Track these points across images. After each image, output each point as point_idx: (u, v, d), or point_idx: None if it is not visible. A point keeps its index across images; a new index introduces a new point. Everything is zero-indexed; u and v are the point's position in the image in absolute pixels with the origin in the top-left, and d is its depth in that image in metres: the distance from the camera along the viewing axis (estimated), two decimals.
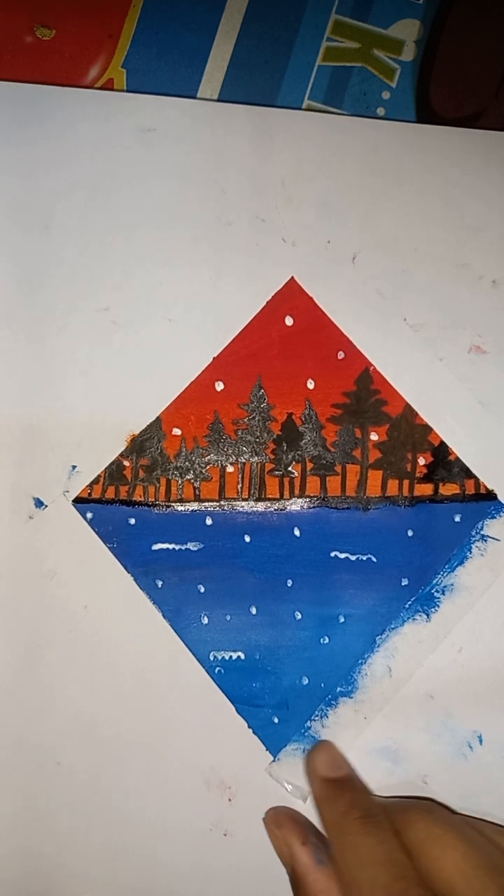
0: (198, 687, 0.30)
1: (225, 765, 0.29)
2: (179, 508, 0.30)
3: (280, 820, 0.28)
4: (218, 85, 0.32)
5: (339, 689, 0.30)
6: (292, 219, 0.31)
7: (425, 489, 0.31)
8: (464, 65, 0.33)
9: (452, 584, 0.31)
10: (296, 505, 0.31)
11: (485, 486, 0.31)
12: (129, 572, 0.30)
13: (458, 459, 0.31)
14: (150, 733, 0.29)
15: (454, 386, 0.31)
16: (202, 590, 0.30)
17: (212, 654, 0.30)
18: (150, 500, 0.30)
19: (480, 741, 0.30)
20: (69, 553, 0.30)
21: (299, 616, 0.30)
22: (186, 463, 0.31)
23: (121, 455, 0.30)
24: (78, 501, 0.30)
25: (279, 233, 0.31)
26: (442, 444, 0.31)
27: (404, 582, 0.30)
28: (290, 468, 0.31)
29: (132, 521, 0.30)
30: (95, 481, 0.30)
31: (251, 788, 0.29)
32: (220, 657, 0.30)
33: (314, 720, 0.30)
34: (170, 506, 0.30)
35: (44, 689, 0.29)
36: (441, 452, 0.31)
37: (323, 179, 0.32)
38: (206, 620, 0.30)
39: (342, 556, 0.30)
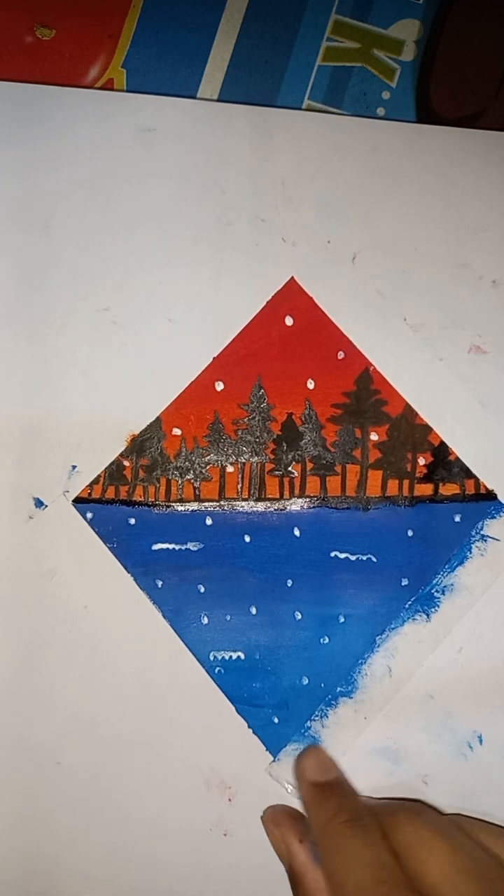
0: (198, 687, 0.30)
1: (225, 765, 0.29)
2: (179, 508, 0.30)
3: (278, 818, 0.28)
4: (218, 85, 0.32)
5: (339, 689, 0.30)
6: (292, 219, 0.31)
7: (425, 489, 0.31)
8: (464, 65, 0.33)
9: (452, 584, 0.30)
10: (296, 505, 0.31)
11: (485, 486, 0.31)
12: (129, 572, 0.30)
13: (458, 459, 0.31)
14: (150, 733, 0.29)
15: (454, 386, 0.31)
16: (202, 590, 0.30)
17: (212, 654, 0.30)
18: (150, 500, 0.30)
19: (480, 741, 0.30)
20: (69, 553, 0.30)
21: (299, 616, 0.30)
22: (186, 463, 0.31)
23: (121, 455, 0.30)
24: (78, 501, 0.30)
25: (279, 233, 0.31)
26: (442, 444, 0.31)
27: (404, 582, 0.30)
28: (290, 468, 0.31)
29: (132, 521, 0.30)
30: (95, 481, 0.30)
31: (251, 788, 0.29)
32: (220, 657, 0.30)
33: (314, 720, 0.30)
34: (170, 506, 0.30)
35: (44, 689, 0.29)
36: (441, 452, 0.31)
37: (323, 179, 0.32)
38: (206, 620, 0.30)
39: (342, 556, 0.30)
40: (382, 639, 0.30)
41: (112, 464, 0.30)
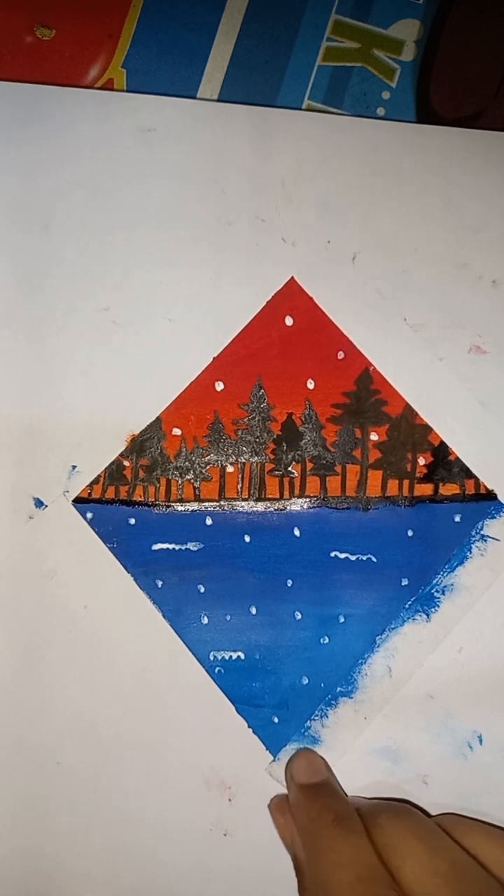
0: (198, 687, 0.30)
1: (225, 765, 0.29)
2: (179, 508, 0.30)
3: (283, 807, 0.28)
4: (218, 85, 0.32)
5: (339, 689, 0.30)
6: (292, 219, 0.31)
7: (425, 489, 0.31)
8: (464, 65, 0.33)
9: (452, 584, 0.30)
10: (296, 505, 0.31)
11: (485, 486, 0.31)
12: (129, 572, 0.30)
13: (458, 459, 0.31)
14: (150, 733, 0.29)
15: (454, 386, 0.31)
16: (202, 590, 0.30)
17: (212, 653, 0.30)
18: (150, 500, 0.30)
19: (480, 741, 0.30)
20: (69, 553, 0.30)
21: (299, 616, 0.30)
22: (186, 463, 0.31)
23: (121, 455, 0.30)
24: (78, 501, 0.30)
25: (279, 233, 0.31)
26: (442, 444, 0.31)
27: (404, 582, 0.30)
28: (290, 468, 0.31)
29: (132, 521, 0.30)
30: (95, 481, 0.30)
31: (251, 788, 0.29)
32: (220, 657, 0.30)
33: (314, 720, 0.30)
34: (170, 506, 0.30)
35: (44, 689, 0.29)
36: (441, 452, 0.31)
37: (323, 179, 0.32)
38: (206, 620, 0.30)
39: (342, 556, 0.30)
40: (382, 639, 0.30)
41: (112, 464, 0.30)
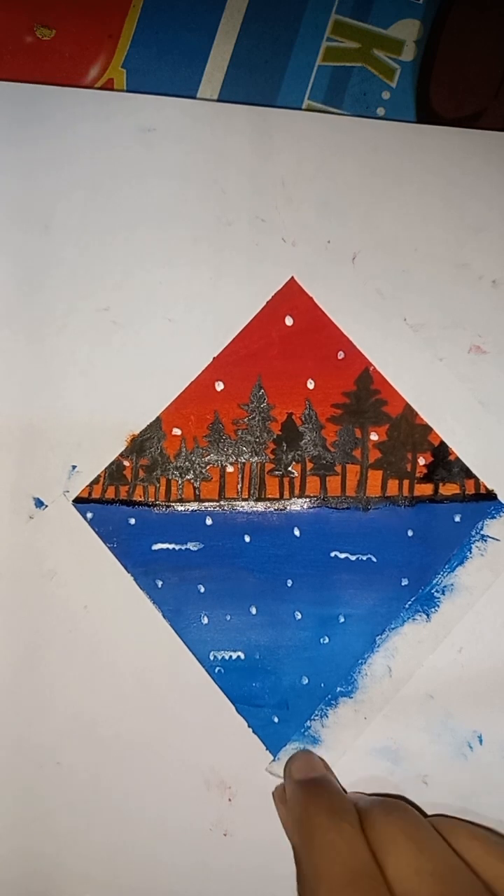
0: (198, 687, 0.30)
1: (225, 765, 0.29)
2: (179, 508, 0.30)
3: (285, 797, 0.28)
4: (218, 85, 0.32)
5: (338, 688, 0.30)
6: (292, 219, 0.31)
7: (425, 489, 0.31)
8: (464, 65, 0.33)
9: (452, 584, 0.30)
10: (296, 505, 0.31)
11: (485, 486, 0.31)
12: (129, 572, 0.30)
13: (458, 459, 0.31)
14: (150, 733, 0.29)
15: (454, 386, 0.31)
16: (202, 590, 0.30)
17: (212, 653, 0.30)
18: (150, 500, 0.30)
19: (480, 741, 0.30)
20: (69, 553, 0.30)
21: (299, 616, 0.30)
22: (186, 463, 0.31)
23: (121, 455, 0.30)
24: (78, 501, 0.30)
25: (279, 233, 0.31)
26: (442, 444, 0.31)
27: (404, 582, 0.30)
28: (290, 468, 0.31)
29: (132, 521, 0.30)
30: (95, 481, 0.30)
31: (251, 788, 0.29)
32: (219, 657, 0.30)
33: (314, 720, 0.30)
34: (170, 506, 0.30)
35: (44, 689, 0.29)
36: (441, 452, 0.31)
37: (323, 179, 0.32)
38: (206, 620, 0.30)
39: (342, 556, 0.30)
40: (382, 639, 0.30)
41: (112, 464, 0.30)
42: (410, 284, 0.31)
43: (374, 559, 0.30)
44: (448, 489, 0.31)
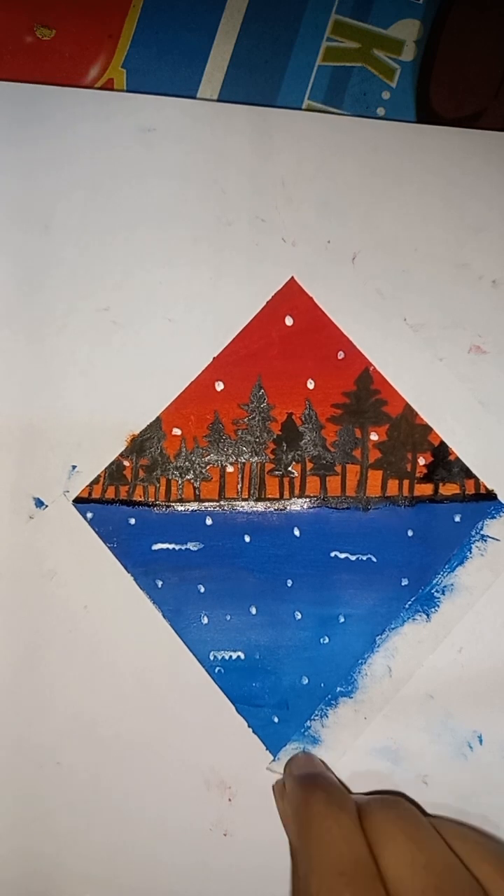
0: (198, 687, 0.30)
1: (225, 765, 0.30)
2: (179, 508, 0.30)
3: (283, 796, 0.28)
4: (218, 85, 0.32)
5: (338, 688, 0.30)
6: (292, 219, 0.31)
7: (425, 489, 0.31)
8: (464, 65, 0.33)
9: (452, 584, 0.31)
10: (296, 505, 0.31)
11: (485, 486, 0.31)
12: (129, 572, 0.30)
13: (458, 459, 0.31)
14: (150, 733, 0.29)
15: (454, 386, 0.31)
16: (202, 590, 0.30)
17: (212, 653, 0.30)
18: (150, 500, 0.30)
19: (480, 741, 0.30)
20: (69, 553, 0.30)
21: (299, 616, 0.30)
22: (186, 463, 0.31)
23: (121, 455, 0.30)
24: (78, 501, 0.30)
25: (279, 233, 0.31)
26: (442, 444, 0.31)
27: (404, 582, 0.31)
28: (290, 468, 0.31)
29: (132, 521, 0.30)
30: (95, 481, 0.30)
31: (251, 788, 0.29)
32: (219, 657, 0.30)
33: (314, 720, 0.30)
34: (170, 506, 0.30)
35: (44, 689, 0.29)
36: (441, 452, 0.31)
37: (323, 179, 0.32)
38: (206, 620, 0.30)
39: (342, 556, 0.31)
40: (382, 639, 0.30)
41: (112, 464, 0.30)
42: (410, 284, 0.32)
43: (374, 559, 0.30)
44: (448, 489, 0.31)
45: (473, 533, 0.31)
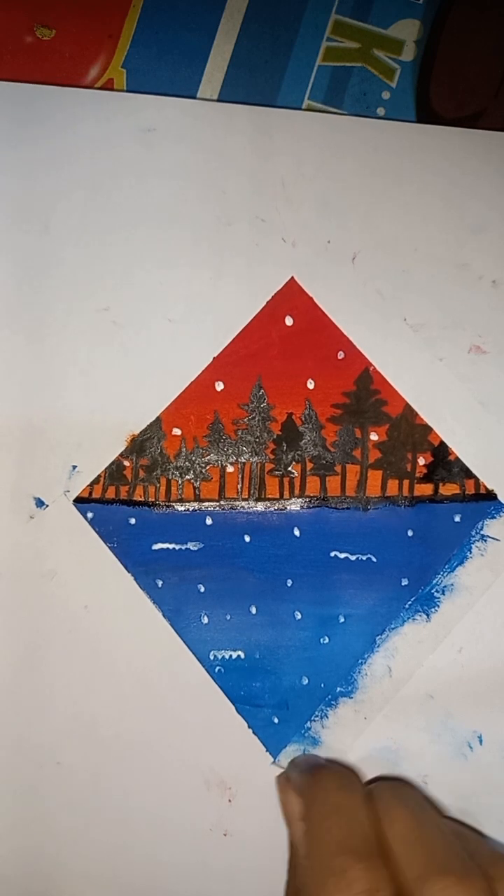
0: (198, 686, 0.30)
1: (225, 765, 0.30)
2: (179, 508, 0.31)
3: (286, 789, 0.28)
4: (218, 85, 0.33)
5: (339, 689, 0.30)
6: (292, 219, 0.32)
7: (425, 489, 0.31)
8: (464, 65, 0.33)
9: (452, 584, 0.31)
10: (296, 505, 0.31)
11: (485, 486, 0.32)
12: (129, 572, 0.30)
13: (457, 459, 0.32)
14: (150, 733, 0.30)
15: (454, 386, 0.32)
16: (202, 589, 0.31)
17: (212, 653, 0.30)
18: (150, 499, 0.31)
19: (480, 741, 0.30)
20: (70, 553, 0.30)
21: (299, 616, 0.31)
22: (186, 463, 0.31)
23: (121, 455, 0.31)
24: (78, 501, 0.30)
25: (279, 233, 0.32)
26: (442, 444, 0.32)
27: (404, 582, 0.31)
28: (290, 468, 0.31)
29: (132, 520, 0.31)
30: (96, 481, 0.31)
31: (251, 789, 0.30)
32: (220, 656, 0.30)
33: (314, 720, 0.30)
34: (170, 506, 0.31)
35: (44, 689, 0.30)
36: (441, 452, 0.32)
37: (323, 179, 0.32)
38: (206, 620, 0.30)
39: (342, 556, 0.31)
40: (382, 639, 0.31)
41: (112, 464, 0.31)
42: (410, 284, 0.32)
43: (373, 559, 0.31)
44: (448, 489, 0.31)
45: (473, 533, 0.31)
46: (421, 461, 0.32)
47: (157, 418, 0.31)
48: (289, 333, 0.32)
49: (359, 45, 0.33)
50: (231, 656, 0.30)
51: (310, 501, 0.31)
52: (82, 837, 0.29)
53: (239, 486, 0.31)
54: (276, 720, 0.30)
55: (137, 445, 0.31)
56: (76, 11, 0.33)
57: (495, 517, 0.31)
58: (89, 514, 0.30)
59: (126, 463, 0.31)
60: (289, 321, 0.32)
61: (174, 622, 0.30)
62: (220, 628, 0.30)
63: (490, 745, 0.30)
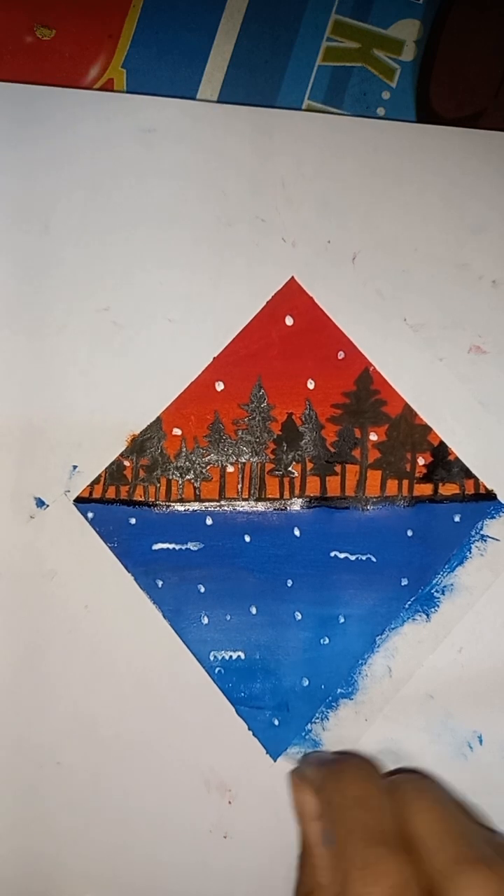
0: (198, 687, 0.31)
1: (225, 766, 0.30)
2: (180, 508, 0.31)
3: (300, 787, 0.29)
4: (218, 85, 0.33)
5: (339, 690, 0.31)
6: (292, 219, 0.32)
7: (425, 489, 0.32)
8: (464, 65, 0.34)
9: (452, 584, 0.32)
10: (296, 505, 0.32)
11: (484, 486, 0.32)
12: (129, 572, 0.31)
13: (457, 459, 0.32)
14: (150, 734, 0.30)
15: (454, 386, 0.32)
16: (202, 590, 0.31)
17: (212, 653, 0.31)
18: (150, 500, 0.31)
19: (480, 741, 0.31)
20: (70, 553, 0.31)
21: (299, 616, 0.31)
22: (187, 463, 0.32)
23: (121, 455, 0.31)
24: (79, 501, 0.31)
25: (279, 233, 0.32)
26: (441, 444, 0.32)
27: (404, 582, 0.32)
28: (290, 468, 0.32)
29: (133, 520, 0.31)
30: (96, 481, 0.31)
31: (252, 791, 0.30)
32: (220, 657, 0.31)
33: (315, 722, 0.31)
34: (170, 506, 0.31)
35: (44, 689, 0.30)
36: (440, 452, 0.32)
37: (323, 179, 0.33)
38: (206, 620, 0.31)
39: (342, 556, 0.31)
40: (382, 639, 0.31)
41: (112, 464, 0.31)
42: (410, 284, 0.32)
43: (373, 559, 0.31)
44: (448, 489, 0.32)
45: (473, 533, 0.32)
46: (420, 461, 0.32)
47: (158, 418, 0.32)
48: (289, 333, 0.32)
49: (359, 45, 0.34)
50: (231, 657, 0.31)
51: (310, 501, 0.32)
52: (82, 837, 0.30)
53: (239, 486, 0.32)
54: (276, 722, 0.31)
55: (138, 445, 0.31)
56: (76, 11, 0.33)
57: (495, 517, 0.32)
58: (89, 514, 0.31)
59: (126, 463, 0.31)
60: (289, 321, 0.32)
61: (174, 622, 0.31)
62: (220, 629, 0.31)
63: (490, 746, 0.31)
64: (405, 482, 0.32)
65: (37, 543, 0.31)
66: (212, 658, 0.31)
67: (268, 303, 0.32)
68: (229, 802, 0.30)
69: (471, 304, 0.33)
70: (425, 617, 0.31)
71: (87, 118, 0.32)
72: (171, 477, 0.32)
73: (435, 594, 0.31)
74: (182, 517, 0.31)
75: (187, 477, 0.32)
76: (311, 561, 0.31)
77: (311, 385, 0.32)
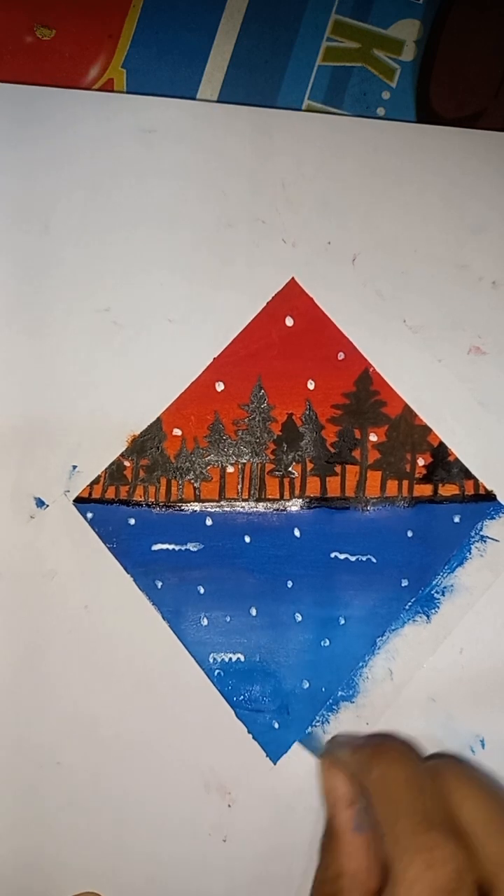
0: (198, 689, 0.31)
1: (225, 768, 0.31)
2: (179, 509, 0.32)
3: (334, 774, 0.29)
4: (218, 85, 0.34)
5: (340, 692, 0.31)
6: (292, 220, 0.33)
7: (425, 490, 0.32)
8: (464, 65, 0.35)
9: (452, 585, 0.32)
10: (296, 505, 0.32)
11: (484, 487, 0.33)
12: (129, 572, 0.31)
13: (457, 460, 0.33)
14: (150, 734, 0.31)
15: (454, 387, 0.33)
16: (202, 590, 0.32)
17: (211, 655, 0.31)
18: (150, 500, 0.32)
19: (482, 745, 0.31)
20: (70, 553, 0.31)
21: (299, 618, 0.32)
22: (186, 463, 0.32)
23: (121, 455, 0.32)
24: (78, 501, 0.31)
25: (279, 234, 0.33)
26: (441, 444, 0.33)
27: (404, 583, 0.32)
28: (290, 469, 0.33)
29: (132, 521, 0.32)
30: (96, 481, 0.32)
31: (251, 794, 0.31)
32: (219, 659, 0.31)
33: (315, 726, 0.31)
34: (170, 506, 0.32)
35: (44, 689, 0.31)
36: (440, 453, 0.33)
37: (323, 180, 0.33)
38: (205, 621, 0.31)
39: (342, 556, 0.32)
40: (383, 640, 0.32)
41: (112, 464, 0.32)
42: (410, 285, 0.33)
43: (373, 560, 0.32)
44: (447, 490, 0.32)
45: (473, 534, 0.32)
46: (420, 462, 0.33)
47: (158, 418, 0.32)
48: (289, 334, 0.33)
49: (359, 45, 0.35)
50: (231, 659, 0.31)
51: (310, 502, 0.32)
52: (82, 837, 0.30)
53: (239, 487, 0.32)
54: (276, 725, 0.31)
55: (138, 446, 0.32)
56: (76, 11, 0.34)
57: (495, 518, 0.33)
58: (89, 515, 0.31)
59: (126, 463, 0.32)
60: (289, 322, 0.33)
61: (174, 623, 0.31)
62: (220, 630, 0.31)
63: (492, 749, 0.31)
64: (405, 483, 0.33)
65: (37, 543, 0.31)
66: (211, 660, 0.31)
67: (268, 303, 0.33)
68: (229, 805, 0.31)
69: (470, 305, 0.33)
70: (425, 618, 0.32)
71: (87, 118, 0.33)
72: (170, 477, 0.32)
73: (435, 595, 0.32)
74: (182, 518, 0.32)
75: (187, 477, 0.32)
76: (311, 562, 0.32)
77: (311, 386, 0.33)
